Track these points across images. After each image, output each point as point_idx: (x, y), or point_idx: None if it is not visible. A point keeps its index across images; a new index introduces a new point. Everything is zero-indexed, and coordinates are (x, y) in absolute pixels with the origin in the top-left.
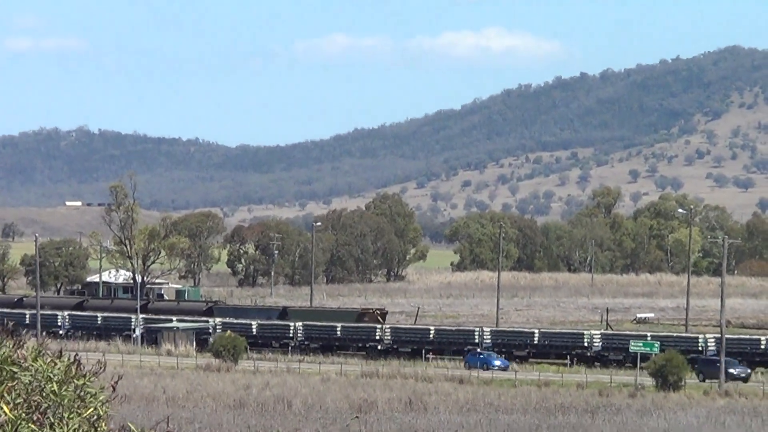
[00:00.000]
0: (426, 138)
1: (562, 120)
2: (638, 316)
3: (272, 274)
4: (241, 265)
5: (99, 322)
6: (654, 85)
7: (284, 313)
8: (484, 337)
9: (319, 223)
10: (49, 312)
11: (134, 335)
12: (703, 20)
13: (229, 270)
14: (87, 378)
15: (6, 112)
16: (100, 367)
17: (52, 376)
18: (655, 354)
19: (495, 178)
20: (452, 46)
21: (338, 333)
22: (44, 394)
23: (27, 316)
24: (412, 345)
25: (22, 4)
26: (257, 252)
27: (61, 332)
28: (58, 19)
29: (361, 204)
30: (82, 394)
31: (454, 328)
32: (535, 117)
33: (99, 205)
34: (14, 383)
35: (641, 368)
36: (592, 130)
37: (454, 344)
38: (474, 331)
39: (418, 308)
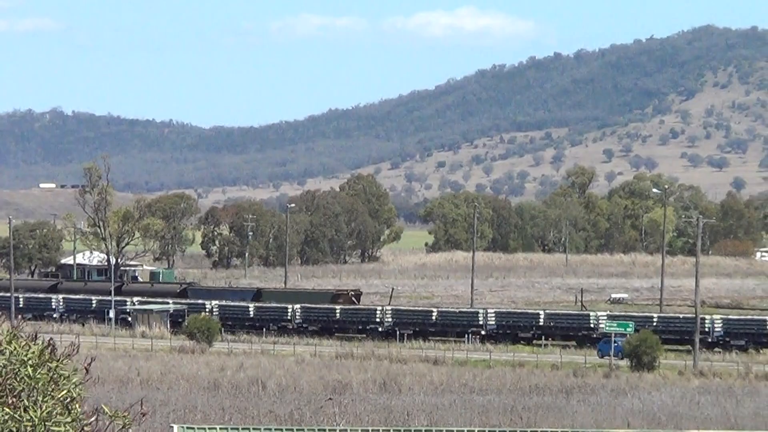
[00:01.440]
0: (400, 119)
1: (536, 100)
2: (612, 296)
3: (246, 255)
4: (215, 247)
5: (94, 306)
6: (628, 64)
7: (258, 294)
8: (489, 318)
9: (293, 205)
10: (43, 295)
11: (109, 317)
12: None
13: (204, 252)
14: (60, 360)
15: None
16: (73, 349)
17: (26, 359)
18: (630, 334)
19: (469, 159)
20: (426, 26)
21: (337, 315)
22: (19, 378)
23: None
24: (414, 327)
25: None
26: (231, 233)
27: (55, 315)
28: None
29: (336, 185)
30: (55, 376)
31: (457, 310)
32: (510, 97)
33: (73, 187)
34: None
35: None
36: (567, 110)
37: (458, 326)
38: (478, 312)
39: (393, 289)
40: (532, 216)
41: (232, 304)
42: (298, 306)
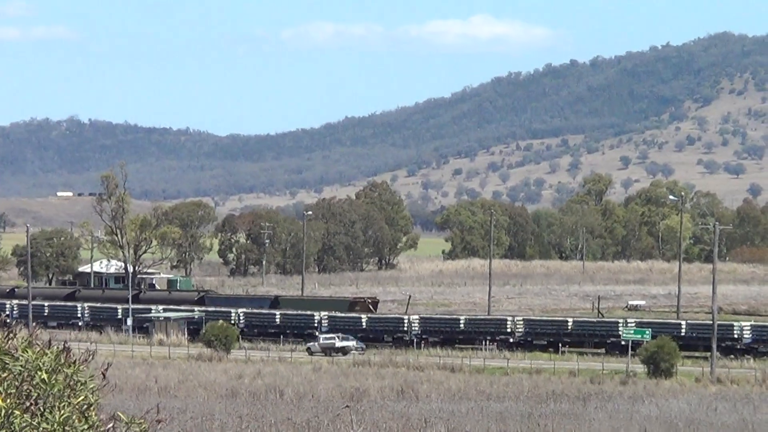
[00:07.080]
0: (416, 126)
1: (552, 107)
2: (630, 303)
3: (263, 263)
4: (232, 255)
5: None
6: (644, 71)
7: (276, 302)
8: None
9: (309, 212)
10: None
11: (125, 326)
12: (693, 6)
13: (221, 259)
14: (76, 366)
15: None
16: (89, 356)
17: (41, 365)
18: (647, 341)
19: (485, 166)
20: (440, 34)
21: (462, 326)
22: (34, 383)
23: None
24: (548, 337)
25: None
26: (248, 241)
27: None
28: (46, 7)
29: (352, 193)
30: (71, 383)
31: (595, 320)
32: (526, 104)
33: (90, 195)
34: (6, 374)
35: (633, 355)
36: (583, 118)
37: (595, 336)
38: (618, 322)
39: (410, 296)
40: (548, 223)
41: (342, 315)
42: (415, 316)
